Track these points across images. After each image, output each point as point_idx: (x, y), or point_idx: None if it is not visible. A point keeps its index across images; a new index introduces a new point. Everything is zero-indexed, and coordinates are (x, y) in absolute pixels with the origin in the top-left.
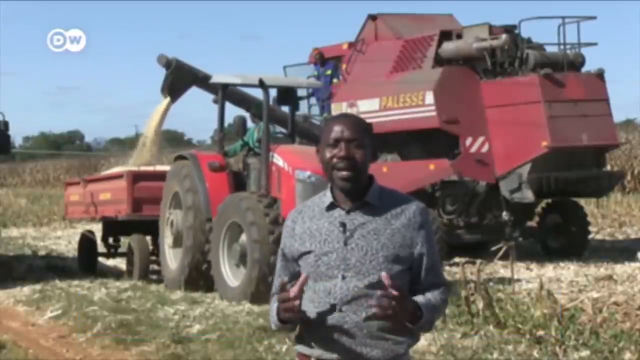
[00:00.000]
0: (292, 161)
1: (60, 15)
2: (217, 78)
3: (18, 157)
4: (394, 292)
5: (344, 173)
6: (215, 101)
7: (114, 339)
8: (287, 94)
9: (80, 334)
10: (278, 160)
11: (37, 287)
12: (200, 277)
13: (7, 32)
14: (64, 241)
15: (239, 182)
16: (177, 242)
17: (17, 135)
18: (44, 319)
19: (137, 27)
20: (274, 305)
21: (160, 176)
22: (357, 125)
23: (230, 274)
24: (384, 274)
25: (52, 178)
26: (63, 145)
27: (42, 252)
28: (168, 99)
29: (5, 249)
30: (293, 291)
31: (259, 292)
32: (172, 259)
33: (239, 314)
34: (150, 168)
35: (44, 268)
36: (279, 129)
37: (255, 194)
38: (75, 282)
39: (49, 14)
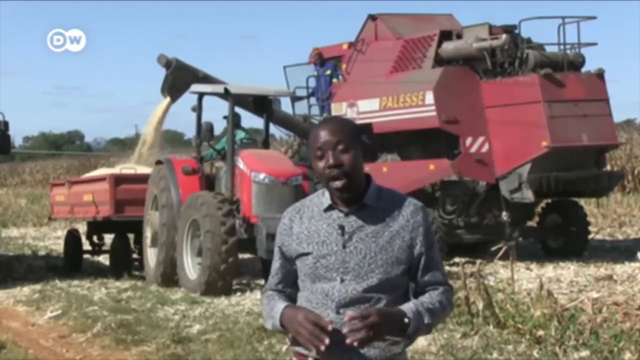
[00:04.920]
0: (250, 164)
1: (60, 15)
2: (193, 88)
3: (18, 157)
4: (367, 314)
5: (338, 183)
6: (193, 109)
7: (114, 339)
8: (262, 103)
9: (80, 334)
10: (240, 163)
11: (37, 287)
12: (173, 283)
13: (7, 32)
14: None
15: (210, 185)
16: (154, 242)
17: (17, 135)
18: (44, 319)
19: (136, 27)
20: (268, 303)
21: (142, 179)
22: (339, 129)
23: (192, 268)
24: (349, 313)
25: (52, 178)
26: (63, 145)
27: (42, 252)
28: (168, 99)
29: (5, 249)
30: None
31: (211, 281)
32: (153, 257)
33: (239, 314)
34: (132, 171)
35: (44, 268)
36: (283, 132)
37: (214, 193)
38: (75, 282)
39: (49, 14)
